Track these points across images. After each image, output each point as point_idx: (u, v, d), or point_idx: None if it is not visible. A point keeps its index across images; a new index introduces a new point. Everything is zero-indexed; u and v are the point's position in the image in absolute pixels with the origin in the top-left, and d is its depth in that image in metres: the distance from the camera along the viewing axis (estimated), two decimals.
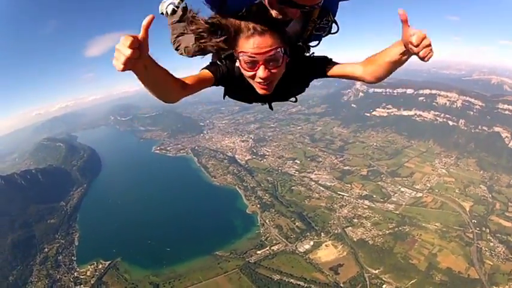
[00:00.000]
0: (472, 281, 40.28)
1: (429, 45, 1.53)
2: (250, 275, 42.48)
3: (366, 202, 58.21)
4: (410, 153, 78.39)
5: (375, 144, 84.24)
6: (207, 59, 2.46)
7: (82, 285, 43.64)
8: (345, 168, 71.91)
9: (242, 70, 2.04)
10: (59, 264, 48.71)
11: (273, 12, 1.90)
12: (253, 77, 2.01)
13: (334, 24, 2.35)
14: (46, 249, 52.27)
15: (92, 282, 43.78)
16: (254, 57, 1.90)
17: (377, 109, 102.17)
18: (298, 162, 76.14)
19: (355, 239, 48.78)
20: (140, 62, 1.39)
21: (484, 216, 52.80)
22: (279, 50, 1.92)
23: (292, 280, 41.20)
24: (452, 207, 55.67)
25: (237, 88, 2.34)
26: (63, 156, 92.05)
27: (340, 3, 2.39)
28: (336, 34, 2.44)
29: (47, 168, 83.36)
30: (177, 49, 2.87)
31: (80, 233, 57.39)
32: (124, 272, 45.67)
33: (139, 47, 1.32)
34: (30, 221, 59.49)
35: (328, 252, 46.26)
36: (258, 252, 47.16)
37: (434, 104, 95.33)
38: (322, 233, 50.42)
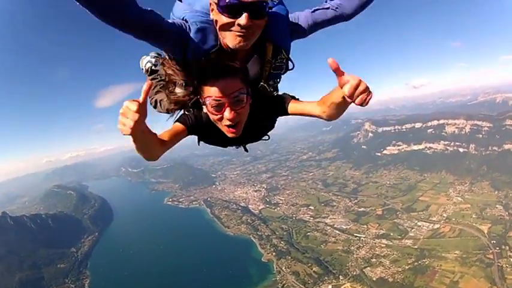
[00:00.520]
0: None
1: (365, 90, 1.47)
2: None
3: (383, 241, 57.68)
4: (424, 186, 78.13)
5: (388, 182, 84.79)
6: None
7: None
8: (359, 210, 72.19)
9: (209, 114, 2.10)
10: None
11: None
12: (220, 119, 2.05)
13: (290, 62, 2.43)
14: None
15: None
16: (220, 100, 1.94)
17: (387, 147, 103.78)
18: (312, 208, 76.96)
19: (374, 279, 47.95)
20: (141, 126, 1.45)
21: (503, 234, 51.10)
22: (242, 91, 1.98)
23: None
24: (470, 233, 54.20)
25: (208, 134, 2.40)
26: (74, 204, 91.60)
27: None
28: (292, 70, 2.52)
29: (57, 214, 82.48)
30: (155, 106, 2.83)
31: (90, 279, 56.88)
32: None
33: (142, 111, 1.39)
34: (39, 263, 58.90)
35: None
36: None
37: (443, 133, 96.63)
38: (340, 276, 50.06)
